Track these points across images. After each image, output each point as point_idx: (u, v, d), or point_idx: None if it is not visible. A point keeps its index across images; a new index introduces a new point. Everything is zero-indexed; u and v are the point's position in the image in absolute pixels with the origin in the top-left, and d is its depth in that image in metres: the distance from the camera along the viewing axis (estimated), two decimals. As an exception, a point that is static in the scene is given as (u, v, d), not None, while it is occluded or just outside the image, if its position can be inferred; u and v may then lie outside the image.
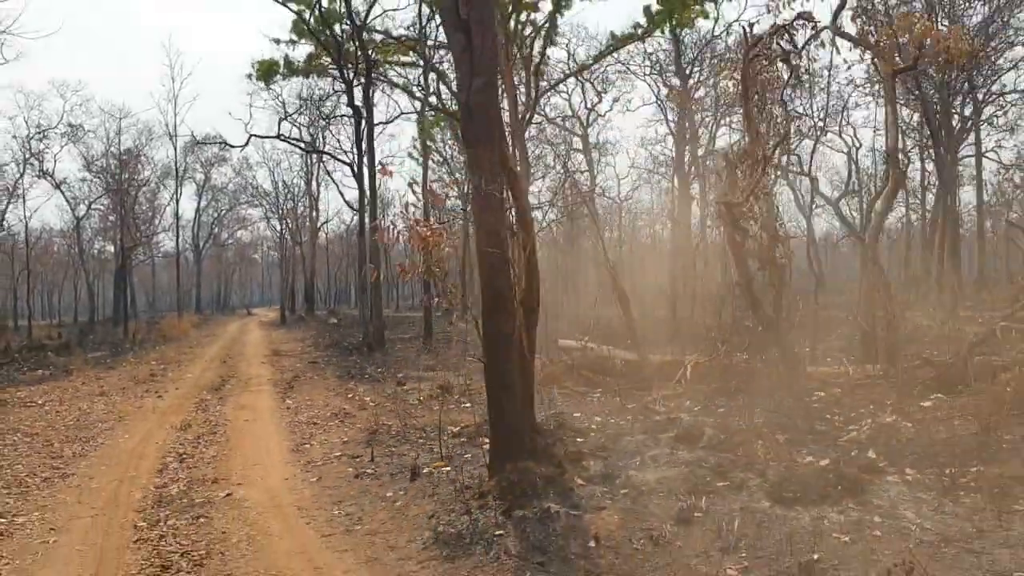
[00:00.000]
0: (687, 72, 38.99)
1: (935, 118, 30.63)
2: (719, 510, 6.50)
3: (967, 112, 33.62)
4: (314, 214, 54.68)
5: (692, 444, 8.32)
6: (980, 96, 32.95)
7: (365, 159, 25.46)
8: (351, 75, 25.78)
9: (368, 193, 25.28)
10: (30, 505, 8.45)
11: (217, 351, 28.87)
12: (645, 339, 14.07)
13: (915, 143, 34.46)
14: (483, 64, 7.24)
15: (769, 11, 11.50)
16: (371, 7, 26.62)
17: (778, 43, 10.35)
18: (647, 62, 40.14)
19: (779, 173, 20.48)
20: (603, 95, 42.67)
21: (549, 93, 40.22)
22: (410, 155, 45.39)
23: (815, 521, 6.22)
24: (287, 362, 23.56)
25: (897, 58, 14.02)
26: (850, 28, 13.71)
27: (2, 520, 7.85)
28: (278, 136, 29.85)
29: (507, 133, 10.67)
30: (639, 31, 32.35)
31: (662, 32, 32.69)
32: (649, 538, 6.12)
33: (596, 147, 46.37)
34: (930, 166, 34.75)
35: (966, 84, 31.41)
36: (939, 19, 26.22)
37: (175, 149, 45.21)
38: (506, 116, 29.58)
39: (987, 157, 36.36)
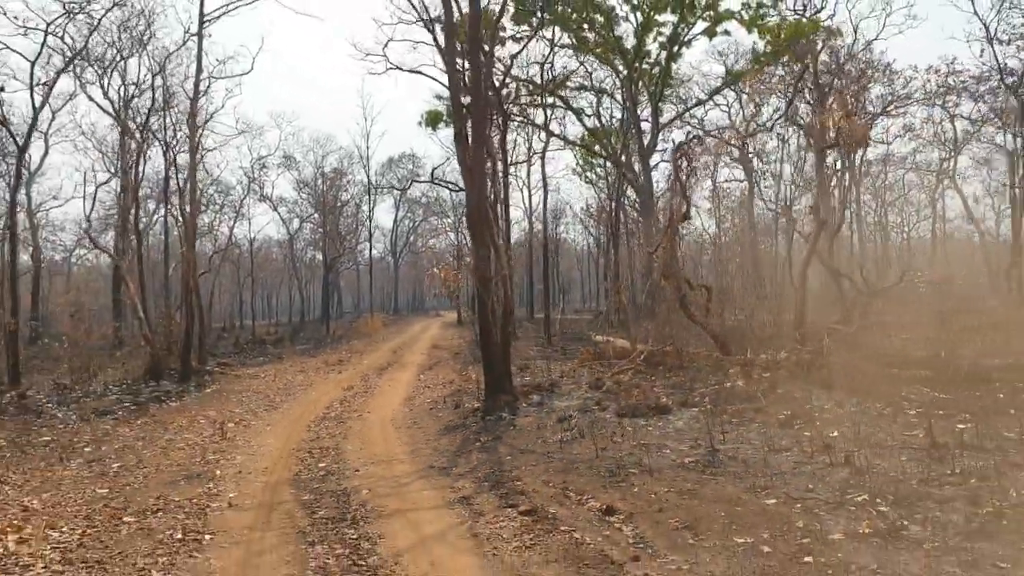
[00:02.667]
0: (824, 89, 42.59)
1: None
2: (582, 418, 12.99)
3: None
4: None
5: (596, 390, 14.77)
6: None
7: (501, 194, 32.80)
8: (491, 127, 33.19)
9: (504, 224, 32.65)
10: (258, 419, 16.26)
11: (394, 344, 37.16)
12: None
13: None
14: (477, 190, 14.23)
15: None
16: (507, 73, 34.27)
17: (683, 153, 16.40)
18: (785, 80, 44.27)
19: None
20: (761, 107, 46.74)
21: (708, 107, 45.88)
22: (573, 170, 52.88)
23: (628, 423, 12.56)
24: (439, 353, 31.21)
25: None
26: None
27: (244, 423, 15.66)
28: (432, 180, 37.83)
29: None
30: (752, 67, 37.70)
31: (773, 64, 37.80)
32: (537, 427, 12.80)
33: (756, 155, 50.75)
34: None
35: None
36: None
37: (368, 176, 55.04)
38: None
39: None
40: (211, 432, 14.46)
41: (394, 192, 69.46)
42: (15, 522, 8.51)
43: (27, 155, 23.79)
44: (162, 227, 44.07)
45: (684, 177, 16.36)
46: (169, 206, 41.94)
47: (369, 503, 9.15)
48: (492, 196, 29.42)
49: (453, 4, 15.68)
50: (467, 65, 16.48)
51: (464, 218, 30.85)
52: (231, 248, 56.48)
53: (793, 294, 18.17)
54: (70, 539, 8.01)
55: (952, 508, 7.44)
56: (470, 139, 14.61)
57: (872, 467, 8.89)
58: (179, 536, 8.07)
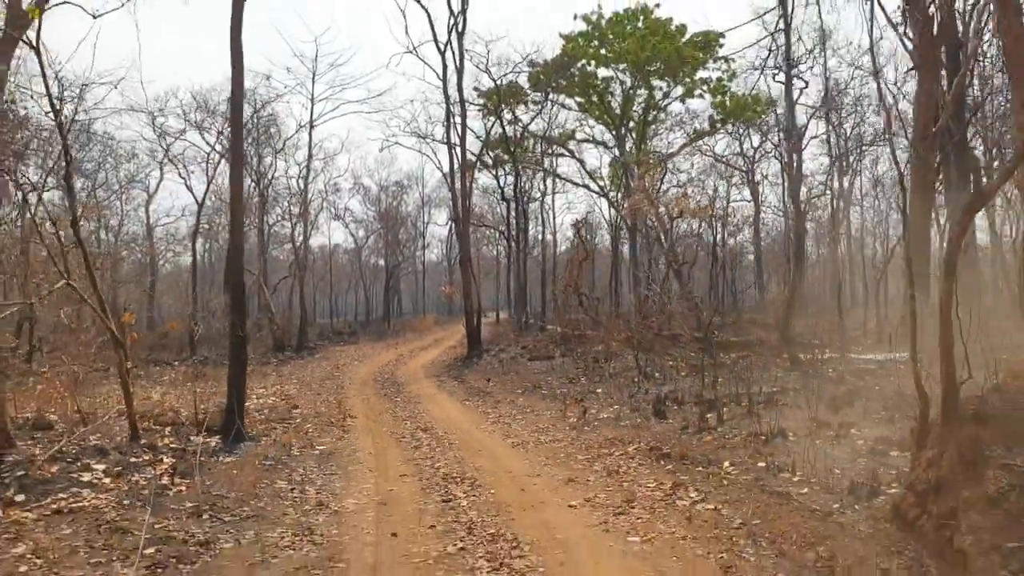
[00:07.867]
0: (802, 128, 55.18)
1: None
2: (511, 361, 28.12)
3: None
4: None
5: (526, 349, 29.89)
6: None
7: (514, 229, 48.07)
8: (504, 176, 48.52)
9: (520, 253, 47.94)
10: (352, 365, 31.88)
11: (438, 336, 52.56)
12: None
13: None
14: (463, 248, 29.63)
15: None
16: (523, 135, 49.55)
17: (580, 227, 31.34)
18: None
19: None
20: (766, 138, 58.81)
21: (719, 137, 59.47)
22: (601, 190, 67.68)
23: (530, 362, 27.64)
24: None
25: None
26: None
27: (346, 365, 31.31)
28: (456, 218, 52.95)
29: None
30: (711, 128, 52.00)
31: (728, 129, 52.32)
32: (487, 363, 28.05)
33: (765, 179, 62.61)
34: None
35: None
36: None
37: (423, 201, 70.74)
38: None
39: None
40: (330, 368, 30.07)
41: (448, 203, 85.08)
42: (270, 386, 24.13)
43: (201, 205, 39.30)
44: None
45: (582, 238, 31.14)
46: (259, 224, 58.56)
47: (404, 383, 24.57)
48: (511, 227, 44.71)
49: (454, 154, 31.24)
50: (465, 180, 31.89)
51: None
52: (305, 255, 72.04)
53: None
54: (296, 389, 23.51)
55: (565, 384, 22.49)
56: (460, 222, 30.06)
57: (592, 369, 23.91)
58: (335, 388, 23.59)
